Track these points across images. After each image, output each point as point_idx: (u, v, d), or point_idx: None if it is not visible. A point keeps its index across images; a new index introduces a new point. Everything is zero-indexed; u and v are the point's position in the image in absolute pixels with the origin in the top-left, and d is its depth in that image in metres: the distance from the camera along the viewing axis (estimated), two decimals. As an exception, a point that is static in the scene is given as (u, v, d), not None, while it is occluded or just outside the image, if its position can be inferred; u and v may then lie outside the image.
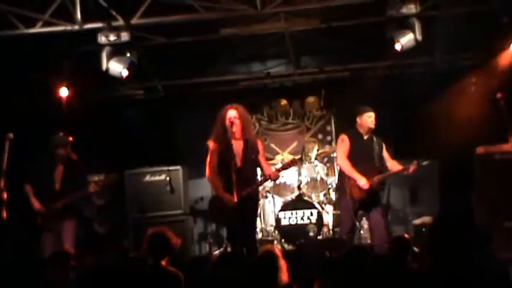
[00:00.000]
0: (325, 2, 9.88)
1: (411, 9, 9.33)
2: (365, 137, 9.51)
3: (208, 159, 8.64)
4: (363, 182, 9.19)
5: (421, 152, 9.48)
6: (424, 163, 9.27)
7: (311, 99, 13.15)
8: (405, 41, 9.60)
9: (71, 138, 9.65)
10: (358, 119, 9.54)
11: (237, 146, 8.47)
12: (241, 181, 8.25)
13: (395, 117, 12.37)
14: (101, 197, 11.88)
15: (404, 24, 9.48)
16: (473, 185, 10.94)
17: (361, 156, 9.40)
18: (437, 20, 10.63)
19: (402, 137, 11.37)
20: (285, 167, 8.71)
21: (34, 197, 9.47)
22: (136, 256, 6.85)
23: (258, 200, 9.03)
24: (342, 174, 9.60)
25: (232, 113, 8.51)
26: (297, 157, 11.80)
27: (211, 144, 8.65)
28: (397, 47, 9.72)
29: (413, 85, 12.21)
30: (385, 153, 9.60)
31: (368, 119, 9.47)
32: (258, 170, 9.03)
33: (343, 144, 9.51)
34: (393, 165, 9.55)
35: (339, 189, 9.91)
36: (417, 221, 10.84)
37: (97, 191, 10.23)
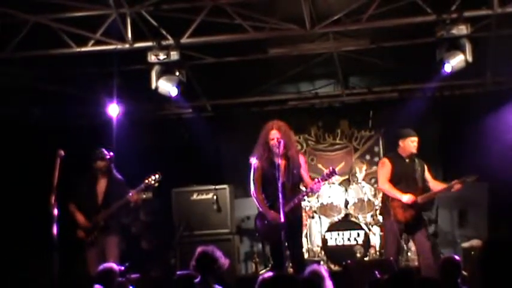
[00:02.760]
0: (375, 23, 9.82)
1: (462, 30, 9.23)
2: (406, 160, 9.47)
3: (252, 176, 8.76)
4: (406, 198, 9.14)
5: (470, 173, 9.35)
6: (469, 179, 9.12)
7: (359, 120, 13.07)
8: (455, 62, 9.50)
9: (111, 153, 9.77)
10: (400, 143, 9.53)
11: (280, 162, 8.44)
12: (286, 197, 8.26)
13: (444, 138, 12.30)
14: (148, 214, 11.98)
15: (455, 45, 9.38)
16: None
17: (404, 178, 9.37)
18: (489, 41, 10.56)
19: (451, 158, 11.28)
20: (325, 177, 8.65)
21: (78, 212, 9.62)
22: (183, 274, 6.85)
23: (301, 215, 9.03)
24: (384, 197, 9.57)
25: (274, 134, 8.57)
26: (344, 177, 11.85)
27: (254, 161, 8.77)
28: (447, 68, 9.63)
29: (463, 106, 12.11)
30: (427, 175, 9.53)
31: (411, 144, 9.44)
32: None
33: (384, 168, 9.52)
34: (436, 185, 9.46)
35: (383, 211, 9.84)
36: (466, 244, 10.71)
37: (144, 208, 10.33)
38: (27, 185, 11.12)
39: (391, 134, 10.05)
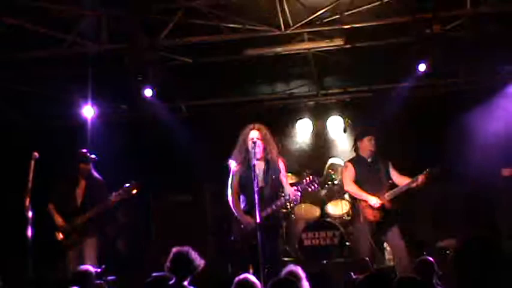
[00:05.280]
0: (349, 23, 9.87)
1: (435, 30, 9.30)
2: (369, 160, 9.58)
3: (229, 181, 8.67)
4: (373, 200, 9.24)
5: (445, 173, 9.42)
6: (433, 171, 9.17)
7: (334, 120, 13.08)
8: (429, 61, 9.55)
9: (93, 156, 9.75)
10: (358, 144, 9.65)
11: (259, 166, 8.41)
12: (263, 201, 8.18)
13: (419, 138, 12.35)
14: (125, 215, 11.95)
15: (429, 45, 9.45)
16: (498, 206, 10.90)
17: (368, 179, 9.48)
18: (462, 41, 10.64)
19: (427, 158, 11.31)
20: (304, 187, 8.40)
21: (57, 214, 9.58)
22: (158, 275, 6.84)
23: (279, 219, 8.89)
24: (353, 198, 9.64)
25: (254, 134, 8.47)
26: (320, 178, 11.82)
27: (232, 165, 8.66)
28: (421, 68, 9.69)
29: (437, 106, 12.19)
30: (392, 172, 9.61)
31: (368, 143, 9.58)
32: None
33: (347, 171, 9.66)
34: (403, 180, 9.51)
35: (352, 213, 9.91)
36: (442, 244, 10.76)
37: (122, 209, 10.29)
38: (1, 187, 11.04)
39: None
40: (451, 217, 11.73)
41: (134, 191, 9.57)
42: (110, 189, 9.57)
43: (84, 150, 9.78)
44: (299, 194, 8.38)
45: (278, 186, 8.62)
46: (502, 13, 9.54)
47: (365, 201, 9.31)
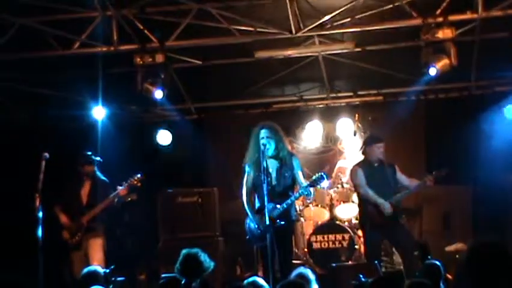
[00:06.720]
0: (360, 27, 9.87)
1: (447, 34, 9.29)
2: (375, 165, 9.56)
3: (244, 181, 8.70)
4: (387, 206, 9.19)
5: (454, 177, 9.41)
6: (441, 174, 9.19)
7: (344, 123, 13.04)
8: (440, 65, 9.54)
9: (97, 158, 9.81)
10: (367, 149, 9.63)
11: (271, 164, 8.47)
12: (276, 201, 8.26)
13: (428, 142, 12.34)
14: (133, 216, 11.97)
15: (440, 49, 9.43)
16: (507, 211, 10.88)
17: (376, 183, 9.47)
18: (473, 45, 10.62)
19: (436, 162, 11.29)
20: (312, 183, 8.40)
21: (62, 213, 9.65)
22: (168, 277, 6.85)
23: (291, 219, 8.73)
24: (361, 201, 9.63)
25: (264, 133, 8.50)
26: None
27: (245, 165, 8.70)
28: (432, 71, 9.67)
29: (447, 110, 12.17)
30: (399, 175, 9.63)
31: (377, 150, 9.57)
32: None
33: (357, 175, 9.64)
34: (412, 183, 9.55)
35: (360, 216, 9.91)
36: (450, 248, 10.73)
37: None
38: (12, 188, 11.07)
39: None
40: (460, 221, 11.70)
41: (139, 184, 9.67)
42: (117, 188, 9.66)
43: (89, 152, 9.86)
44: (311, 189, 8.43)
45: (292, 184, 8.65)
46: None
47: (373, 204, 9.30)
